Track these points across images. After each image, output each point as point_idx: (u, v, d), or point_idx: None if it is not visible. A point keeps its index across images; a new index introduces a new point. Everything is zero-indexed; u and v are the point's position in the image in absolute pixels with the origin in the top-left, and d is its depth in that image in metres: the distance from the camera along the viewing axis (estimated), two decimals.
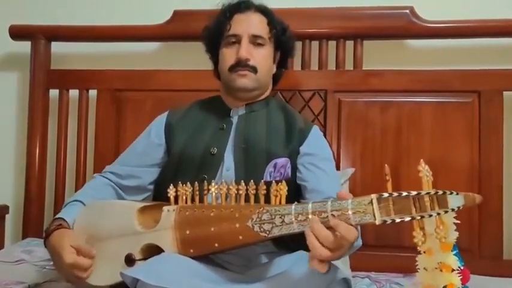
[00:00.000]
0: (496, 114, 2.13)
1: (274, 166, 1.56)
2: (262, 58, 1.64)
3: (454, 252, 1.17)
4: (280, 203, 1.23)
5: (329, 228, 1.10)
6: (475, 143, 2.13)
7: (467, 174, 2.12)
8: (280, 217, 1.19)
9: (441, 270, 1.16)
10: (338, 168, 2.19)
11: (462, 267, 1.17)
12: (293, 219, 1.17)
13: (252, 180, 1.29)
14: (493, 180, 2.11)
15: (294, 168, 1.60)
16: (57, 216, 1.54)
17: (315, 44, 2.30)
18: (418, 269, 1.21)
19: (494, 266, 2.05)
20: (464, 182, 2.09)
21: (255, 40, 1.64)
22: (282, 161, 1.58)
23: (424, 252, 1.18)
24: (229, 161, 1.60)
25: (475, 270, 1.91)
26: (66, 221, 1.50)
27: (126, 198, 1.68)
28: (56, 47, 2.47)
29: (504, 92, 2.14)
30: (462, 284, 1.17)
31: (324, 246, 1.10)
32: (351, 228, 1.09)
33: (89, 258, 1.41)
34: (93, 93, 2.41)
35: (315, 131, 1.68)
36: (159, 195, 1.65)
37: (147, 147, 1.71)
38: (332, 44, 2.29)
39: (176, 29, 2.33)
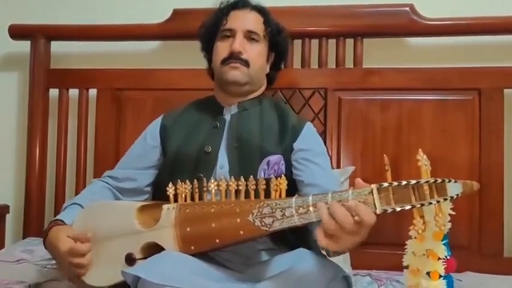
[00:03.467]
0: (497, 112, 2.13)
1: (268, 163, 1.56)
2: (256, 54, 1.65)
3: (444, 241, 1.19)
4: (280, 197, 1.24)
5: None
6: (475, 140, 2.13)
7: (467, 172, 2.11)
8: (281, 210, 1.19)
9: (428, 257, 1.18)
10: (338, 166, 2.19)
11: (448, 257, 1.19)
12: (294, 212, 1.18)
13: (251, 176, 1.30)
14: (493, 178, 2.11)
15: (289, 165, 1.60)
16: (54, 218, 1.55)
17: (315, 42, 2.30)
18: (407, 251, 1.22)
19: (495, 264, 2.05)
20: (464, 179, 2.08)
21: (250, 35, 1.65)
22: (275, 158, 1.57)
23: (415, 237, 1.20)
24: (223, 158, 1.60)
25: (476, 268, 1.93)
26: (63, 222, 1.51)
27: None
28: (56, 46, 2.47)
29: (504, 90, 2.14)
30: (445, 273, 1.18)
31: (339, 224, 1.10)
32: (369, 211, 1.10)
33: (85, 242, 1.41)
34: (93, 92, 2.41)
35: (308, 127, 1.68)
36: (157, 196, 1.66)
37: (143, 150, 1.72)
38: (332, 42, 2.29)
39: (176, 28, 2.33)
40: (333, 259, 1.36)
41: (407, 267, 1.24)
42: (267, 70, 1.74)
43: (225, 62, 1.63)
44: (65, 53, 2.51)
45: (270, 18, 1.71)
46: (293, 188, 1.55)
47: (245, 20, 1.67)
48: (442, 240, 1.17)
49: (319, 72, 2.28)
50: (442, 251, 1.17)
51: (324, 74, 2.27)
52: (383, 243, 2.01)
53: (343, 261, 1.82)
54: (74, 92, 2.43)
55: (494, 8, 2.22)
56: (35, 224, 2.37)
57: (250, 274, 1.38)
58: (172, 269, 1.21)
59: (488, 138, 2.12)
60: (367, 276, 1.94)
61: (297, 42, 2.28)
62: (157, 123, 1.75)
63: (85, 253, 1.41)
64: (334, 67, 2.28)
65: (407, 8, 2.20)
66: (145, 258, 1.34)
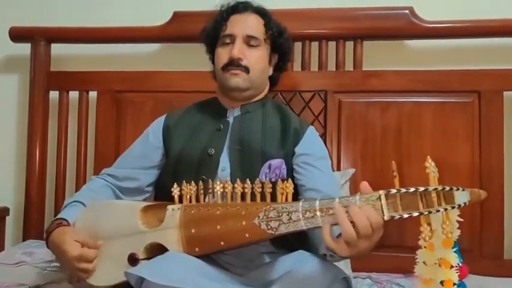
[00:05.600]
0: (496, 114, 2.13)
1: (269, 167, 1.56)
2: (256, 59, 1.65)
3: (455, 249, 1.19)
4: (286, 200, 1.23)
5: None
6: (475, 143, 2.14)
7: (468, 174, 2.12)
8: (287, 214, 1.19)
9: (440, 266, 1.18)
10: (339, 168, 2.19)
11: (461, 264, 1.18)
12: (300, 216, 1.17)
13: (258, 179, 1.30)
14: (494, 180, 2.11)
15: (290, 169, 1.60)
16: (57, 217, 1.54)
17: (315, 44, 2.30)
18: (417, 262, 1.22)
19: (495, 266, 2.06)
20: (465, 182, 2.07)
21: (249, 40, 1.64)
22: (277, 162, 1.58)
23: (425, 247, 1.20)
24: (224, 161, 1.60)
25: (476, 270, 1.92)
26: (66, 221, 1.50)
27: (124, 200, 1.68)
28: (56, 48, 2.47)
29: (504, 92, 2.15)
30: (459, 280, 1.18)
31: (356, 229, 1.10)
32: (375, 212, 1.10)
33: (94, 248, 1.41)
34: (93, 94, 2.41)
35: (310, 131, 1.69)
36: (159, 197, 1.66)
37: (145, 149, 1.72)
38: (332, 44, 2.30)
39: (176, 31, 2.34)
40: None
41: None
42: (270, 72, 1.74)
43: (225, 68, 1.63)
44: (65, 55, 2.52)
45: (271, 20, 1.70)
46: (294, 192, 1.55)
47: (245, 25, 1.66)
48: (452, 248, 1.17)
49: (319, 74, 2.28)
50: (454, 258, 1.17)
51: (324, 76, 2.27)
52: (384, 245, 2.01)
53: (343, 264, 1.81)
54: (74, 94, 2.42)
55: (494, 10, 2.22)
56: (35, 227, 2.37)
57: (251, 277, 1.38)
58: (176, 269, 1.21)
59: (488, 140, 2.13)
60: (368, 279, 1.94)
61: (297, 45, 2.28)
62: (159, 123, 1.74)
63: (93, 259, 1.41)
64: (334, 69, 2.29)
65: (406, 11, 2.20)
66: (148, 258, 1.33)
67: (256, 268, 1.44)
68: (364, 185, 1.15)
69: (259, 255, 1.55)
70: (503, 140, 2.13)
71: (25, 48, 2.44)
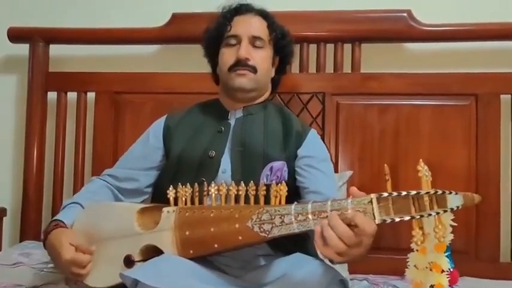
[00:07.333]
0: (494, 117, 2.13)
1: (271, 169, 1.56)
2: (262, 59, 1.65)
3: (447, 253, 1.18)
4: (280, 203, 1.24)
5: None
6: (472, 145, 2.14)
7: (464, 177, 2.12)
8: (280, 217, 1.19)
9: (431, 270, 1.18)
10: (336, 171, 2.19)
11: (452, 269, 1.18)
12: (293, 219, 1.18)
13: (252, 181, 1.30)
14: (490, 182, 2.11)
15: (291, 172, 1.60)
16: (55, 218, 1.55)
17: (313, 47, 2.31)
18: (408, 265, 1.22)
19: (491, 269, 2.05)
20: (461, 185, 2.09)
21: (255, 41, 1.65)
22: (279, 164, 1.58)
23: (417, 250, 1.20)
24: (225, 163, 1.60)
25: (472, 273, 1.93)
26: (64, 223, 1.51)
27: (124, 201, 1.69)
28: (55, 49, 2.47)
29: (501, 95, 2.15)
30: (449, 285, 1.18)
31: (342, 241, 1.10)
32: (368, 219, 1.09)
33: (87, 254, 1.42)
34: (91, 95, 2.40)
35: (312, 134, 1.69)
36: (158, 198, 1.65)
37: (146, 150, 1.72)
38: (330, 47, 2.30)
39: (175, 32, 2.33)
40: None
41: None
42: (273, 74, 1.75)
43: (232, 69, 1.63)
44: (64, 56, 2.51)
45: (274, 22, 1.71)
46: (295, 195, 1.55)
47: (249, 26, 1.66)
48: (444, 252, 1.17)
49: (317, 76, 2.29)
50: (445, 263, 1.17)
51: (322, 78, 2.27)
52: (380, 247, 2.01)
53: (340, 266, 1.82)
54: (72, 95, 2.42)
55: (491, 14, 2.23)
56: (32, 227, 2.36)
57: (247, 279, 1.38)
58: (171, 272, 1.21)
59: (485, 143, 2.13)
60: (364, 281, 1.94)
61: (296, 47, 2.26)
62: (160, 123, 1.74)
63: (85, 264, 1.41)
64: (332, 72, 2.29)
65: (405, 14, 2.20)
66: (144, 260, 1.34)
67: (253, 270, 1.44)
68: (354, 189, 1.15)
69: (256, 257, 1.55)
70: (499, 142, 2.13)
71: (23, 49, 2.44)
